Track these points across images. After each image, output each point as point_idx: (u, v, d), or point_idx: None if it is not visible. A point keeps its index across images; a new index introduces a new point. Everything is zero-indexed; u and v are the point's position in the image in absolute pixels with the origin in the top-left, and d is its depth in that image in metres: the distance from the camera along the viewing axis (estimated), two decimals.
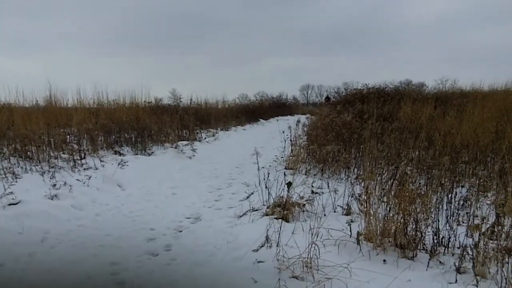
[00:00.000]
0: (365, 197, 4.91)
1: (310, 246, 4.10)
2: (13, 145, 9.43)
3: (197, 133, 17.35)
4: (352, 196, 5.73)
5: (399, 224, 4.57)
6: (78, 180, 7.76)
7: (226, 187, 8.80)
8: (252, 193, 7.40)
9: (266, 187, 6.30)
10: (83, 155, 9.85)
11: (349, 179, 7.39)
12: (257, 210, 6.24)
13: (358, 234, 4.60)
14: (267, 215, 5.85)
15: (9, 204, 6.12)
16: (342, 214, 5.67)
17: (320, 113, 17.76)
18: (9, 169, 8.04)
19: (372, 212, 4.74)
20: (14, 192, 6.40)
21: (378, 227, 4.67)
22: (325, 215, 5.45)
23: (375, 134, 8.59)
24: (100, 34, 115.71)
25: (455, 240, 4.59)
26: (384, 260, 4.29)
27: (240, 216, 6.27)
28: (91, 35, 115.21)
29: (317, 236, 4.26)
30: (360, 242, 4.55)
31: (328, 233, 4.60)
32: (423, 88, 25.33)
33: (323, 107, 22.96)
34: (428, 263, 4.16)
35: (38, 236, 5.52)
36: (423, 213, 4.57)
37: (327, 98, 31.04)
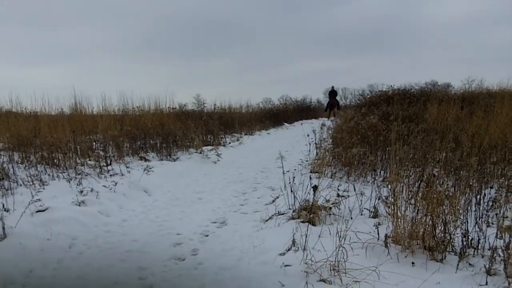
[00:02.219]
0: (392, 199, 4.86)
1: (337, 249, 4.07)
2: (40, 152, 9.55)
3: (222, 138, 17.35)
4: (379, 199, 5.68)
5: (427, 226, 4.51)
6: (104, 186, 7.82)
7: (252, 191, 8.80)
8: (278, 197, 7.37)
9: (291, 191, 6.26)
10: (109, 162, 9.92)
11: (375, 181, 7.32)
12: (283, 214, 6.21)
13: (386, 236, 4.55)
14: (293, 218, 5.83)
15: (37, 211, 6.19)
16: (369, 217, 5.62)
17: (345, 116, 17.66)
18: (36, 176, 8.14)
19: (399, 215, 4.68)
20: (42, 199, 6.48)
21: (406, 230, 4.62)
22: (351, 218, 5.41)
23: (401, 136, 8.52)
24: (124, 41, 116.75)
25: (485, 241, 4.50)
26: (413, 263, 4.23)
27: (266, 220, 6.25)
28: (115, 42, 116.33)
29: (345, 239, 4.22)
30: (388, 245, 4.50)
31: (356, 236, 4.56)
32: (449, 88, 25.10)
33: (347, 109, 23.04)
34: (458, 265, 4.09)
35: (66, 242, 5.58)
36: (452, 215, 4.51)
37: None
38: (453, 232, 4.48)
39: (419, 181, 5.44)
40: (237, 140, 18.44)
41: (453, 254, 4.38)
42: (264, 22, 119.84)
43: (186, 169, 10.91)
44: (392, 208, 4.78)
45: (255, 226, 6.17)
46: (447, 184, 5.62)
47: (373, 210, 5.69)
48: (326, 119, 27.43)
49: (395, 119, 11.11)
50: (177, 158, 12.16)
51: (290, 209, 6.24)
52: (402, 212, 4.69)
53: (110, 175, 8.98)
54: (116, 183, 7.96)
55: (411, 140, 8.24)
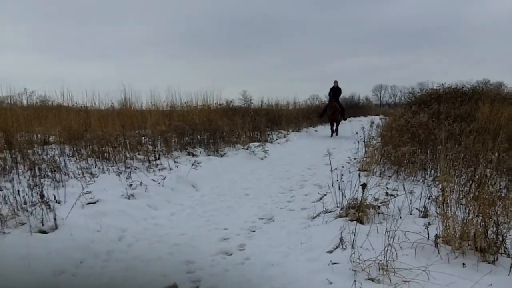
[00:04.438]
0: (443, 199, 4.76)
1: (386, 248, 4.01)
2: (90, 146, 9.76)
3: (268, 134, 17.37)
4: (429, 198, 5.57)
5: (479, 227, 4.41)
6: (153, 180, 7.92)
7: (299, 188, 8.77)
8: (325, 195, 7.33)
9: (339, 189, 6.22)
10: (157, 156, 10.05)
11: (425, 181, 7.20)
12: (330, 211, 6.17)
13: (436, 236, 4.46)
14: (341, 216, 5.78)
15: (88, 203, 6.32)
16: (419, 217, 5.51)
17: (394, 114, 17.44)
18: (87, 169, 8.31)
19: (450, 215, 4.59)
20: (92, 191, 6.60)
21: (456, 230, 4.53)
22: (401, 217, 5.31)
23: (452, 135, 8.35)
24: (172, 38, 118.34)
25: None
26: (464, 264, 4.14)
27: (314, 218, 6.22)
28: (163, 39, 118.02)
29: (393, 239, 4.16)
30: (438, 245, 4.41)
31: (405, 235, 4.49)
32: (502, 87, 24.48)
33: (398, 107, 22.12)
34: (511, 268, 3.98)
35: (115, 234, 5.68)
36: (504, 216, 4.39)
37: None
38: (505, 234, 4.36)
39: (471, 181, 5.33)
40: (284, 137, 18.41)
41: (506, 256, 4.26)
42: (310, 19, 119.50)
43: (233, 165, 10.95)
44: (443, 208, 4.69)
45: (302, 223, 6.14)
46: (500, 185, 5.48)
47: (423, 209, 5.58)
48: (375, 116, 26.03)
49: (446, 118, 10.91)
50: (224, 153, 12.22)
51: (337, 207, 6.19)
52: (453, 212, 4.60)
53: (159, 169, 9.09)
54: (164, 177, 8.06)
55: (462, 140, 8.08)
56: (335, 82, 20.12)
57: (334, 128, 20.67)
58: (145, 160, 9.53)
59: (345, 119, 21.43)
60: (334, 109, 19.92)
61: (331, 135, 20.49)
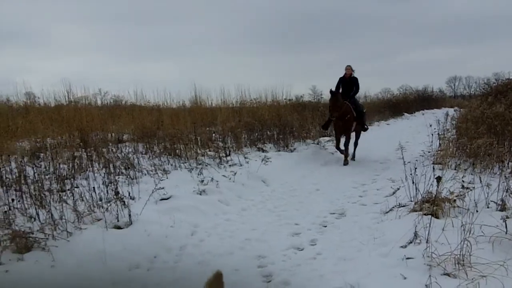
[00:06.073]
0: None
1: (462, 242, 3.89)
2: (162, 143, 9.95)
3: None
4: (507, 191, 5.36)
5: None
6: (224, 176, 8.00)
7: (371, 182, 8.65)
8: (398, 189, 7.19)
9: (413, 182, 6.07)
10: (228, 152, 10.15)
11: (503, 173, 6.93)
12: (404, 206, 6.03)
13: None
14: (414, 211, 5.63)
15: (161, 199, 6.45)
16: (496, 210, 5.31)
17: (469, 105, 16.91)
18: (159, 166, 8.47)
19: None
20: (164, 187, 6.72)
21: None
22: (477, 211, 5.13)
23: None
24: (239, 35, 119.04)
25: None
26: None
27: (386, 212, 6.10)
28: (230, 36, 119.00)
29: (470, 233, 4.03)
30: None
31: (481, 229, 4.33)
32: None
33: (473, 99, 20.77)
34: None
35: (188, 229, 5.76)
36: None
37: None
38: None
39: None
40: None
41: None
42: (376, 11, 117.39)
43: (303, 160, 10.90)
44: None
45: (375, 218, 6.05)
46: None
47: (501, 203, 5.37)
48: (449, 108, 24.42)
49: None
50: (294, 149, 12.18)
51: (411, 201, 6.04)
52: None
53: (229, 165, 9.17)
54: (235, 173, 8.12)
55: None
56: (348, 68, 11.55)
57: (344, 142, 11.31)
58: (216, 156, 9.63)
59: (365, 128, 12.16)
60: (343, 112, 10.98)
61: (344, 163, 11.03)
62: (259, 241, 5.38)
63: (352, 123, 11.24)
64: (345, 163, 10.97)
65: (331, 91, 11.10)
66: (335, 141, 11.80)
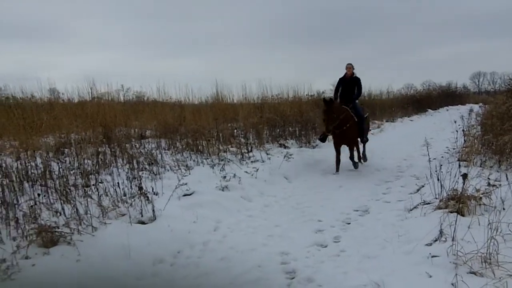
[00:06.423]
0: None
1: (489, 241, 3.84)
2: (185, 139, 9.99)
3: None
4: None
5: None
6: (246, 172, 8.01)
7: (394, 179, 8.58)
8: (423, 186, 7.11)
9: (438, 180, 6.01)
10: (250, 148, 10.14)
11: None
12: (428, 203, 5.96)
13: None
14: (439, 208, 5.57)
15: (184, 195, 6.48)
16: None
17: (494, 101, 16.69)
18: (182, 162, 8.51)
19: None
20: (187, 183, 6.74)
21: None
22: (504, 209, 5.06)
23: None
24: (259, 31, 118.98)
25: None
26: None
27: (411, 210, 6.04)
28: (250, 32, 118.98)
29: (496, 231, 3.97)
30: None
31: (508, 227, 4.27)
32: None
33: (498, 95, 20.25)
34: None
35: (210, 225, 5.78)
36: None
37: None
38: None
39: None
40: (378, 127, 18.12)
41: None
42: (400, 6, 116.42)
43: (326, 157, 10.82)
44: None
45: (399, 215, 6.00)
46: None
47: None
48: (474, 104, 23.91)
49: None
50: (316, 145, 12.14)
51: (436, 198, 5.97)
52: None
53: (251, 162, 9.18)
54: (257, 169, 8.13)
55: None
56: (348, 67, 10.14)
57: (350, 155, 9.83)
58: (238, 152, 9.64)
59: (364, 140, 10.20)
60: (341, 120, 9.16)
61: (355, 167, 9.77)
62: (282, 238, 5.37)
63: (356, 131, 9.59)
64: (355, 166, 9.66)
65: (324, 99, 9.33)
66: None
